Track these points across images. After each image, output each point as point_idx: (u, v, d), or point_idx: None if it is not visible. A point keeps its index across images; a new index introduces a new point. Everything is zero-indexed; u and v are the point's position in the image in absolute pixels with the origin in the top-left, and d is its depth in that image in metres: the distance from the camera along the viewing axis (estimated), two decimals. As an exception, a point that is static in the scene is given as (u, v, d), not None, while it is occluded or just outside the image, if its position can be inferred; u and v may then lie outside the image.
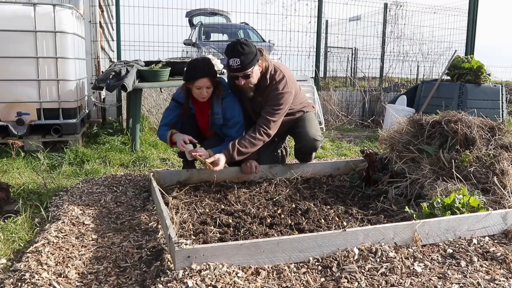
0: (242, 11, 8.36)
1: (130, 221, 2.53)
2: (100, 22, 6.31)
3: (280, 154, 3.47)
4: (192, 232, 2.22)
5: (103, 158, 4.00)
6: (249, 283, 1.73)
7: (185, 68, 4.50)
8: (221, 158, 2.81)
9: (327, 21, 8.15)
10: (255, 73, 2.89)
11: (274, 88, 2.97)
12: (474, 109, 3.53)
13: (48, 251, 2.04)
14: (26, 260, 1.95)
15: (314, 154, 3.59)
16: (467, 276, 1.84)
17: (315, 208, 2.56)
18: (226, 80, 3.18)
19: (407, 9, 7.71)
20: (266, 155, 3.29)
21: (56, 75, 4.22)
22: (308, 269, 1.87)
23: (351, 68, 8.83)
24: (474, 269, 1.90)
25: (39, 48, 4.10)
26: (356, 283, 1.75)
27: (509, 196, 2.52)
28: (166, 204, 2.57)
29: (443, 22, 8.00)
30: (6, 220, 2.47)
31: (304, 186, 3.11)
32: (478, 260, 1.99)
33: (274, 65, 3.04)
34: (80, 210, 2.65)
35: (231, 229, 2.27)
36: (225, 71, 5.15)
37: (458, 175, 2.64)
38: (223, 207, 2.62)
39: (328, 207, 2.63)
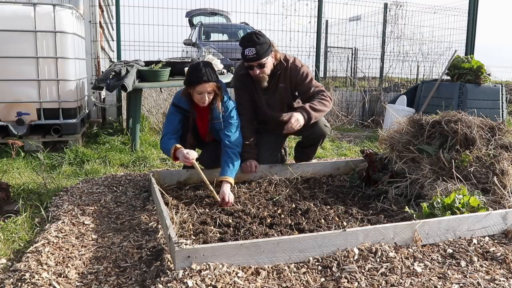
0: (242, 11, 8.39)
1: (130, 221, 2.53)
2: (100, 22, 6.31)
3: (280, 154, 3.48)
4: (192, 232, 2.22)
5: (103, 158, 4.00)
6: (249, 283, 1.73)
7: (185, 69, 4.54)
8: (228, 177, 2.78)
9: (327, 21, 8.16)
10: (269, 63, 3.03)
11: (293, 67, 3.13)
12: (474, 109, 3.53)
13: (48, 251, 2.04)
14: (26, 260, 1.96)
15: (318, 148, 3.59)
16: (467, 276, 1.84)
17: (315, 208, 2.56)
18: (232, 78, 3.20)
19: (407, 9, 7.72)
20: (266, 155, 3.29)
21: (56, 75, 4.22)
22: (308, 269, 1.87)
23: (351, 68, 8.83)
24: (474, 269, 1.90)
25: (39, 48, 4.10)
26: (356, 283, 1.75)
27: (509, 196, 2.52)
28: (166, 204, 2.57)
29: (443, 22, 8.01)
30: (6, 220, 2.47)
31: (304, 186, 3.11)
32: (478, 260, 1.99)
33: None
34: (80, 210, 2.65)
35: (231, 229, 2.27)
36: (225, 70, 5.16)
37: (458, 175, 2.64)
38: (222, 207, 2.62)
39: (328, 207, 2.63)
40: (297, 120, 2.91)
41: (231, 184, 2.78)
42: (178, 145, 2.79)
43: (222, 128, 2.95)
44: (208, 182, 2.73)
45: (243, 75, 3.17)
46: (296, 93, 3.28)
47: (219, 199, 2.67)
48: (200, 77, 2.75)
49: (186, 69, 4.51)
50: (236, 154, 2.91)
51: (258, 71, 3.00)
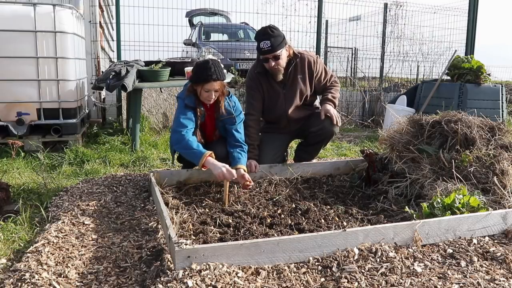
0: (242, 11, 8.42)
1: (130, 221, 2.53)
2: (100, 22, 6.31)
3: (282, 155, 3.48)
4: (192, 232, 2.22)
5: (103, 158, 4.00)
6: (249, 283, 1.73)
7: (185, 68, 4.54)
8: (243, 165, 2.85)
9: (327, 21, 8.15)
10: (283, 55, 3.10)
11: (309, 58, 3.24)
12: (474, 109, 3.53)
13: (48, 251, 2.04)
14: (26, 260, 1.96)
15: (322, 148, 3.60)
16: (467, 276, 1.84)
17: (315, 208, 2.56)
18: (246, 77, 3.34)
19: (407, 9, 7.73)
20: (270, 154, 3.29)
21: (56, 75, 4.22)
22: (308, 269, 1.87)
23: (351, 68, 8.83)
24: (474, 269, 1.91)
25: (39, 48, 4.10)
26: (356, 283, 1.75)
27: (509, 196, 2.52)
28: (166, 204, 2.57)
29: (443, 22, 8.02)
30: (6, 220, 2.47)
31: (304, 186, 3.11)
32: (478, 260, 1.99)
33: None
34: (80, 210, 2.65)
35: (231, 229, 2.27)
36: (225, 70, 5.15)
37: (458, 175, 2.64)
38: (223, 207, 2.62)
39: (328, 207, 2.63)
40: (330, 110, 3.19)
41: (244, 170, 2.84)
42: (211, 153, 2.72)
43: (234, 124, 2.95)
44: (227, 199, 2.71)
45: (259, 73, 3.20)
46: (314, 84, 3.33)
47: (227, 203, 2.68)
48: (209, 75, 2.74)
49: (186, 69, 4.54)
50: (245, 151, 2.97)
51: (273, 63, 3.06)
